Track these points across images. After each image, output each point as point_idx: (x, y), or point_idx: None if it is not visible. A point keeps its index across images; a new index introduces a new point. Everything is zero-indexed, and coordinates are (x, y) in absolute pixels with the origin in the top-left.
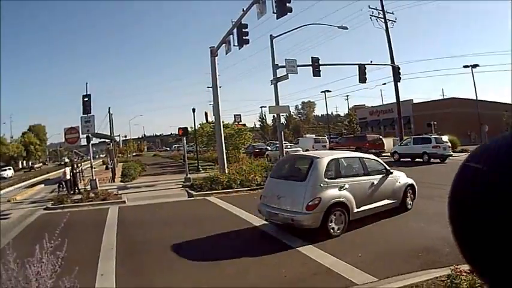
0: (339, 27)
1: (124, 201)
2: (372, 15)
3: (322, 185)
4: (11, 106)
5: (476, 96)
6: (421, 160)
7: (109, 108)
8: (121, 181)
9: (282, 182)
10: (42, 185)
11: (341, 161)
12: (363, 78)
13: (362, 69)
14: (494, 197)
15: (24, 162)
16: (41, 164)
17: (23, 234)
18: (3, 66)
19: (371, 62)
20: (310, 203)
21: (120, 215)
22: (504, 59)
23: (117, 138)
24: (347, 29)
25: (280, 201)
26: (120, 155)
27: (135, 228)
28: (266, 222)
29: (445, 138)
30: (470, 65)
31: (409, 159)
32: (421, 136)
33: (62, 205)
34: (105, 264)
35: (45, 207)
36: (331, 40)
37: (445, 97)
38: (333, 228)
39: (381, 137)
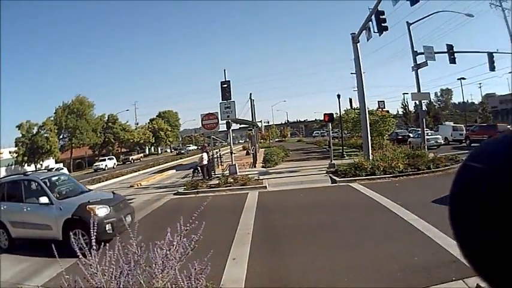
0: (465, 14)
1: (265, 186)
2: (492, 3)
3: None
4: (138, 95)
5: None
6: None
7: (250, 94)
8: (262, 167)
9: None
10: (174, 171)
11: None
12: (492, 66)
13: (491, 57)
14: (495, 197)
15: (153, 148)
16: (141, 156)
17: (148, 219)
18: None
19: (497, 50)
20: None
21: (259, 200)
22: None
23: (259, 124)
24: (473, 16)
25: None
26: (262, 140)
27: (274, 213)
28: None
29: None
30: None
31: None
32: None
33: (195, 190)
34: (239, 249)
35: (175, 192)
36: (462, 26)
37: None
38: None
39: (509, 126)
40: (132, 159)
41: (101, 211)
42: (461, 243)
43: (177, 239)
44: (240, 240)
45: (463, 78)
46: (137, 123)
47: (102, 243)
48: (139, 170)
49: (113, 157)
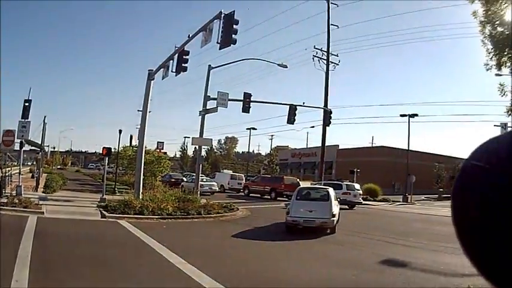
0: (278, 65)
1: (43, 212)
2: (315, 56)
3: None
4: None
5: (408, 146)
6: None
7: (44, 117)
8: (43, 191)
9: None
10: None
11: None
12: (291, 119)
13: (293, 109)
14: (496, 195)
15: None
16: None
17: None
18: None
19: (303, 103)
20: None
21: (38, 225)
22: (437, 110)
23: (46, 149)
24: (286, 67)
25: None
26: (46, 165)
27: (49, 241)
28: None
29: (356, 185)
30: (408, 115)
31: None
32: (333, 182)
33: None
34: (20, 272)
35: None
36: (267, 76)
37: (374, 145)
38: None
39: (298, 179)
40: None
41: None
42: (464, 244)
43: None
44: (20, 263)
45: (254, 128)
46: None
47: None
48: None
49: None
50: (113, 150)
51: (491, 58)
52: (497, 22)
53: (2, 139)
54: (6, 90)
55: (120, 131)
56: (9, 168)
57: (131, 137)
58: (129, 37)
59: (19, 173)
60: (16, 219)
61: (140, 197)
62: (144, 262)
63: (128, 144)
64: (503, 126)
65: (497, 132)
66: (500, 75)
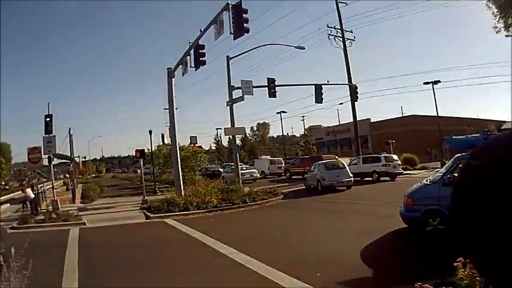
0: (296, 47)
1: (84, 223)
2: (330, 35)
3: None
4: None
5: (437, 113)
6: (371, 179)
7: (69, 128)
8: (81, 202)
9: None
10: (8, 205)
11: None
12: (319, 99)
13: (318, 89)
14: (494, 194)
15: None
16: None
17: None
18: None
19: (328, 82)
20: None
21: (81, 237)
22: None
23: (77, 159)
24: (304, 48)
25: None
26: (80, 176)
27: (95, 250)
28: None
29: (394, 156)
30: (431, 81)
31: (359, 178)
32: (371, 155)
33: (26, 225)
34: (68, 285)
35: (11, 226)
36: (289, 60)
37: (404, 115)
38: None
39: (336, 157)
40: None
41: None
42: (463, 240)
43: (12, 275)
44: (67, 276)
45: (283, 112)
46: None
47: None
48: None
49: None
50: (146, 151)
51: (498, 21)
52: None
53: (28, 157)
54: (28, 106)
55: (151, 132)
56: (41, 185)
57: (162, 135)
58: (144, 39)
59: (52, 188)
60: (57, 233)
61: (183, 194)
62: (195, 257)
63: (161, 143)
64: None
65: None
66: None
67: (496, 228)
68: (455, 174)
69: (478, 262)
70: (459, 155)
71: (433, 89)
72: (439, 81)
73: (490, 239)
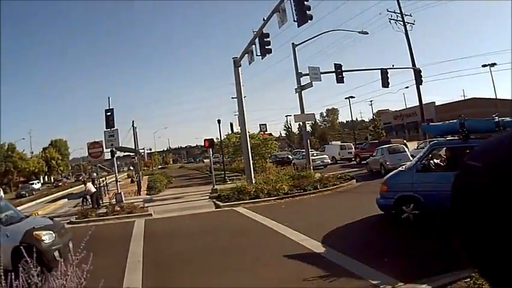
0: (359, 32)
1: (150, 214)
2: (391, 19)
3: None
4: (31, 122)
5: (496, 95)
6: None
7: (133, 121)
8: (147, 194)
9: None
10: (66, 200)
11: None
12: (385, 83)
13: (384, 73)
14: (493, 195)
15: (46, 177)
16: (65, 178)
17: None
18: (20, 80)
19: (393, 66)
20: None
21: (146, 228)
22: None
23: (142, 151)
24: (367, 33)
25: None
26: (145, 167)
27: (161, 241)
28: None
29: None
30: (488, 64)
31: None
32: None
33: (86, 219)
34: (132, 277)
35: (69, 221)
36: (354, 45)
37: (466, 98)
38: None
39: (404, 141)
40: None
41: (47, 237)
42: (461, 242)
43: (70, 269)
44: (131, 268)
45: (352, 97)
46: (32, 152)
47: None
48: (35, 200)
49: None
50: (215, 140)
51: None
52: None
53: (88, 152)
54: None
55: (219, 121)
56: (104, 178)
57: (231, 124)
58: (207, 30)
59: (116, 181)
60: (122, 225)
61: (253, 182)
62: (267, 244)
63: (230, 132)
64: None
65: None
66: None
67: (498, 231)
68: (432, 161)
69: (479, 268)
70: (434, 141)
71: (491, 71)
72: (495, 64)
73: (492, 242)
